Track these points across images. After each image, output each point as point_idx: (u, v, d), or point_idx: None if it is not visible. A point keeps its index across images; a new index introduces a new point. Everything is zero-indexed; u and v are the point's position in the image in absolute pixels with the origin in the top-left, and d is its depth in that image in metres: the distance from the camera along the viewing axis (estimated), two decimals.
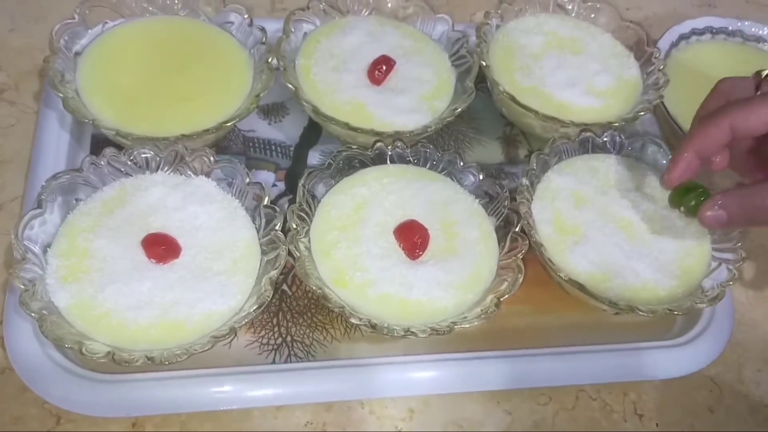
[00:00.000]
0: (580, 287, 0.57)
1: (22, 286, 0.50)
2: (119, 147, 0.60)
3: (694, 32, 0.85)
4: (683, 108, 0.76)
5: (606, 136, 0.68)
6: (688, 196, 0.58)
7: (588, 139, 0.68)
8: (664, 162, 0.68)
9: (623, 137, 0.69)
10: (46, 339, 0.49)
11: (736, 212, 0.54)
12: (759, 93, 0.56)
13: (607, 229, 0.63)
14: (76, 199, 0.58)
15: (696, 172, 0.58)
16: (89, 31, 0.68)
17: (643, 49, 0.76)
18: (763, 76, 0.58)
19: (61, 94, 0.60)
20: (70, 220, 0.56)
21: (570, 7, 0.80)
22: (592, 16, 0.79)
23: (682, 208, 0.59)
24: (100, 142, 0.66)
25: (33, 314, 0.49)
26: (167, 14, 0.71)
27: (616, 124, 0.69)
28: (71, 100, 0.61)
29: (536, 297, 0.64)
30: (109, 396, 0.53)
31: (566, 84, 0.73)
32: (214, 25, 0.72)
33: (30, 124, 0.69)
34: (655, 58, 0.75)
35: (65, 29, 0.65)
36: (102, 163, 0.58)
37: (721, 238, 0.63)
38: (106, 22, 0.69)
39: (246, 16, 0.71)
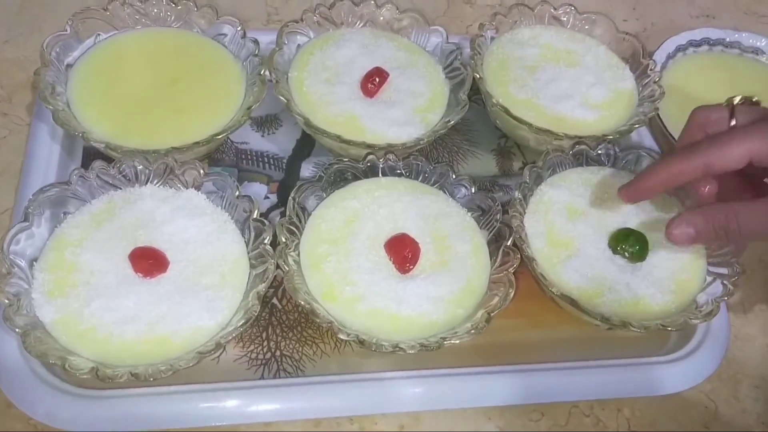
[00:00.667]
0: (572, 302, 0.57)
1: (7, 301, 0.50)
2: (110, 160, 0.60)
3: (692, 44, 0.84)
4: (679, 120, 0.74)
5: (600, 149, 0.68)
6: (628, 241, 0.61)
7: (582, 152, 0.67)
8: None
9: (618, 150, 0.68)
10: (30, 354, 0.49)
11: (702, 228, 0.55)
12: (733, 124, 0.56)
13: (600, 243, 0.62)
14: (65, 213, 0.57)
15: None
16: (82, 43, 0.68)
17: (638, 61, 0.76)
18: (735, 104, 0.58)
19: (51, 107, 0.60)
20: (57, 233, 0.56)
21: (565, 18, 0.79)
22: (587, 27, 0.79)
23: (626, 254, 0.61)
24: (91, 155, 0.66)
25: (17, 329, 0.49)
26: (160, 26, 0.71)
27: (611, 137, 0.68)
28: (61, 113, 0.61)
29: (528, 311, 0.63)
30: (95, 412, 0.52)
31: (561, 96, 0.72)
32: (207, 37, 0.71)
33: (22, 137, 0.68)
34: (651, 70, 0.74)
35: (57, 41, 0.65)
36: (91, 176, 0.58)
37: (717, 252, 0.63)
38: (99, 34, 0.69)
39: (239, 28, 0.70)
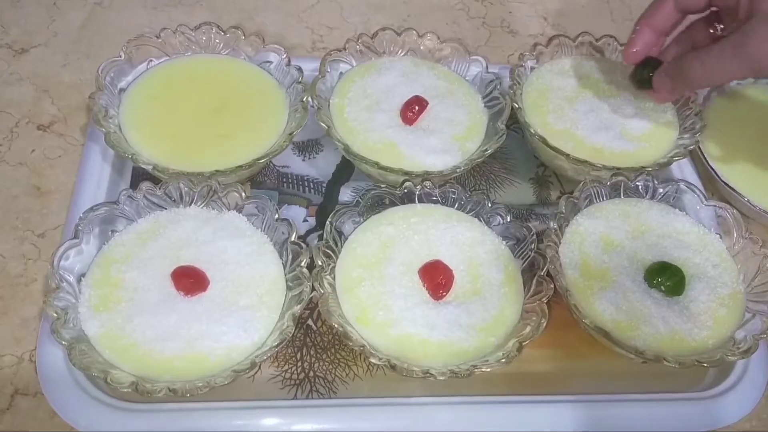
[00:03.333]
0: (606, 334, 0.57)
1: (55, 314, 0.52)
2: (157, 181, 0.62)
3: None
4: (721, 153, 0.75)
5: (638, 181, 0.67)
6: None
7: (620, 183, 0.67)
8: (698, 208, 0.67)
9: (656, 182, 0.68)
10: (75, 367, 0.51)
11: (674, 77, 0.65)
12: None
13: (636, 275, 0.62)
14: (112, 231, 0.60)
15: (654, 49, 0.69)
16: (134, 68, 0.71)
17: None
18: None
19: (103, 129, 0.63)
20: (104, 250, 0.59)
21: (606, 49, 0.80)
22: None
23: (662, 288, 0.61)
24: (140, 176, 0.68)
25: (63, 342, 0.51)
26: (209, 53, 0.74)
27: (649, 169, 0.68)
28: (113, 135, 0.64)
29: (561, 341, 0.63)
30: (134, 425, 0.54)
31: (600, 127, 0.72)
32: (254, 64, 0.74)
33: (76, 156, 0.72)
34: (692, 102, 0.74)
35: (111, 66, 0.69)
36: (138, 196, 0.60)
37: (757, 288, 0.62)
38: (151, 60, 0.72)
39: (284, 56, 0.73)
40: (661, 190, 0.68)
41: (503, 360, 0.54)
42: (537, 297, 0.59)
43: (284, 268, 0.60)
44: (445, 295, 0.59)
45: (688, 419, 0.59)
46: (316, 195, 0.72)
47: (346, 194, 0.72)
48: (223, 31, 0.73)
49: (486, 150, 0.67)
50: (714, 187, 0.75)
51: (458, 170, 0.66)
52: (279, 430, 0.55)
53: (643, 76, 0.68)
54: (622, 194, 0.67)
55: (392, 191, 0.64)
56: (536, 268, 0.60)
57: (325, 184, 0.73)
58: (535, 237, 0.62)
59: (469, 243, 0.63)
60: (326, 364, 0.61)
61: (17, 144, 0.73)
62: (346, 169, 0.74)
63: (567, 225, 0.64)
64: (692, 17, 0.68)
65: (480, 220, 0.65)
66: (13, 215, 0.67)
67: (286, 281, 0.59)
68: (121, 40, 0.72)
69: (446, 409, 0.58)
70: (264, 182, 0.72)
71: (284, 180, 0.73)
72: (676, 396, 0.60)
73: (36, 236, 0.66)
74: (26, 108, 0.76)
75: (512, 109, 0.71)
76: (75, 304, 0.55)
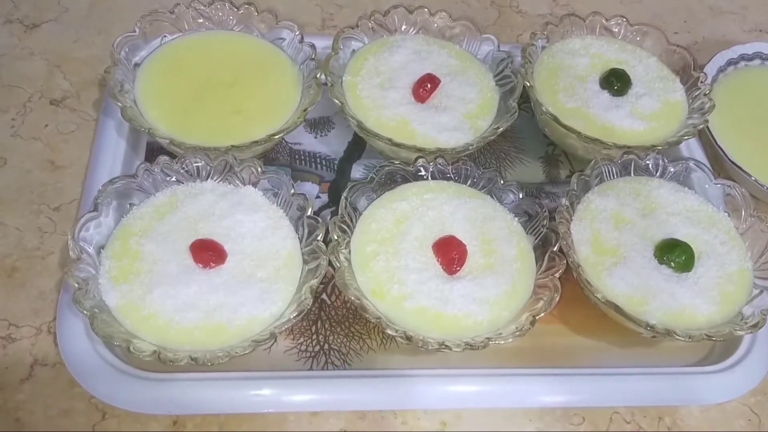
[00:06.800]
0: (617, 309, 0.58)
1: (76, 285, 0.53)
2: (172, 155, 0.63)
3: (743, 57, 0.84)
4: (729, 132, 0.76)
5: (649, 159, 0.68)
6: (674, 252, 0.61)
7: (630, 162, 0.68)
8: (707, 186, 0.68)
9: (666, 160, 0.68)
10: (96, 336, 0.52)
11: None
12: None
13: (646, 252, 0.63)
14: (130, 204, 0.60)
15: None
16: (149, 43, 0.71)
17: (689, 73, 0.76)
18: None
19: (120, 104, 0.64)
20: (123, 223, 0.59)
21: (616, 30, 0.80)
22: (638, 39, 0.80)
23: (672, 264, 0.61)
24: (154, 150, 0.69)
25: (85, 312, 0.52)
26: (223, 29, 0.74)
27: (659, 147, 0.69)
28: (129, 110, 0.64)
29: (573, 316, 0.64)
30: (153, 394, 0.55)
31: (610, 106, 0.73)
32: (267, 41, 0.74)
33: (89, 131, 0.72)
34: (701, 82, 0.75)
35: (126, 41, 0.69)
36: (156, 170, 0.61)
37: (764, 265, 0.63)
38: (165, 36, 0.72)
39: (297, 33, 0.73)
40: (671, 169, 0.69)
41: (516, 333, 0.55)
42: (549, 272, 0.60)
43: (300, 242, 0.60)
44: (458, 270, 0.60)
45: (696, 393, 0.61)
46: (329, 172, 0.72)
47: (358, 171, 0.73)
48: (236, 8, 0.74)
49: (498, 128, 0.68)
50: (722, 166, 0.76)
51: (470, 147, 0.67)
52: (295, 398, 0.57)
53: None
54: (632, 172, 0.68)
55: (405, 168, 0.65)
56: (548, 244, 0.61)
57: (337, 162, 0.73)
58: (547, 214, 0.63)
59: (481, 219, 0.64)
60: (341, 337, 0.62)
61: (30, 118, 0.73)
62: (357, 146, 0.75)
63: (578, 202, 0.65)
64: None
65: (492, 197, 0.66)
66: (28, 189, 0.67)
67: (303, 255, 0.60)
68: (132, 16, 0.72)
69: (461, 381, 0.59)
70: (277, 159, 0.73)
71: (296, 157, 0.73)
72: (684, 370, 0.62)
73: (51, 210, 0.66)
74: (39, 83, 0.76)
75: (523, 87, 0.71)
76: (95, 276, 0.56)
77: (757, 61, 0.85)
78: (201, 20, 0.73)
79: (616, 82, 0.73)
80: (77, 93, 0.76)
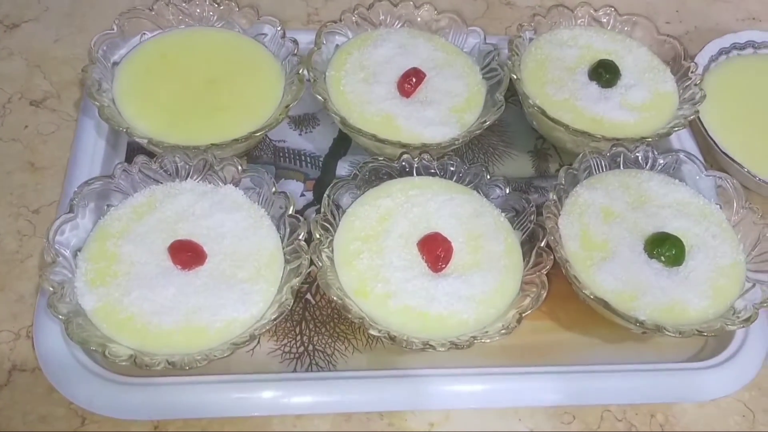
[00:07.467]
0: (606, 305, 0.56)
1: (51, 289, 0.52)
2: (152, 155, 0.61)
3: (735, 46, 0.83)
4: (720, 123, 0.74)
5: (638, 151, 0.67)
6: (664, 245, 0.60)
7: (619, 154, 0.67)
8: (698, 178, 0.66)
9: (656, 153, 0.67)
10: (72, 341, 0.51)
11: None
12: None
13: (636, 246, 0.61)
14: (108, 205, 0.59)
15: None
16: (127, 42, 0.70)
17: (679, 63, 0.75)
18: None
19: (97, 103, 0.62)
20: (101, 225, 0.58)
21: (605, 20, 0.79)
22: (628, 29, 0.78)
23: (662, 258, 0.60)
24: (135, 150, 0.68)
25: (60, 316, 0.51)
26: (203, 26, 0.73)
27: (649, 139, 0.68)
28: (107, 109, 0.63)
29: (561, 313, 0.63)
30: (133, 399, 0.54)
31: (599, 98, 0.72)
32: (248, 37, 0.73)
33: (69, 132, 0.71)
34: (692, 72, 0.73)
35: (104, 40, 0.68)
36: (133, 170, 0.60)
37: (756, 258, 0.61)
38: (144, 33, 0.71)
39: (279, 28, 0.72)
40: (660, 161, 0.67)
41: (503, 331, 0.54)
42: (536, 269, 0.58)
43: (282, 241, 0.59)
44: (444, 267, 0.59)
45: (689, 389, 0.60)
46: (314, 169, 0.71)
47: (343, 168, 0.72)
48: (216, 3, 0.72)
49: (485, 122, 0.67)
50: (713, 157, 0.75)
51: (456, 142, 0.66)
52: (279, 401, 0.56)
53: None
54: (621, 165, 0.67)
55: (390, 164, 0.64)
56: (536, 240, 0.60)
57: (321, 159, 0.72)
58: (534, 209, 0.62)
59: (468, 215, 0.62)
60: (325, 337, 0.60)
61: (10, 120, 0.72)
62: (343, 143, 0.73)
63: (566, 196, 0.64)
64: None
65: (479, 192, 0.65)
66: (8, 191, 0.66)
67: (284, 254, 0.58)
68: (114, 14, 0.71)
69: (448, 381, 0.58)
70: (260, 157, 0.71)
71: (281, 154, 0.72)
72: (675, 366, 0.61)
73: (31, 212, 0.65)
74: (18, 83, 0.75)
75: (511, 80, 0.70)
76: (71, 279, 0.55)
77: (750, 50, 0.83)
78: (181, 17, 0.72)
79: (604, 73, 0.72)
80: (58, 93, 0.75)
